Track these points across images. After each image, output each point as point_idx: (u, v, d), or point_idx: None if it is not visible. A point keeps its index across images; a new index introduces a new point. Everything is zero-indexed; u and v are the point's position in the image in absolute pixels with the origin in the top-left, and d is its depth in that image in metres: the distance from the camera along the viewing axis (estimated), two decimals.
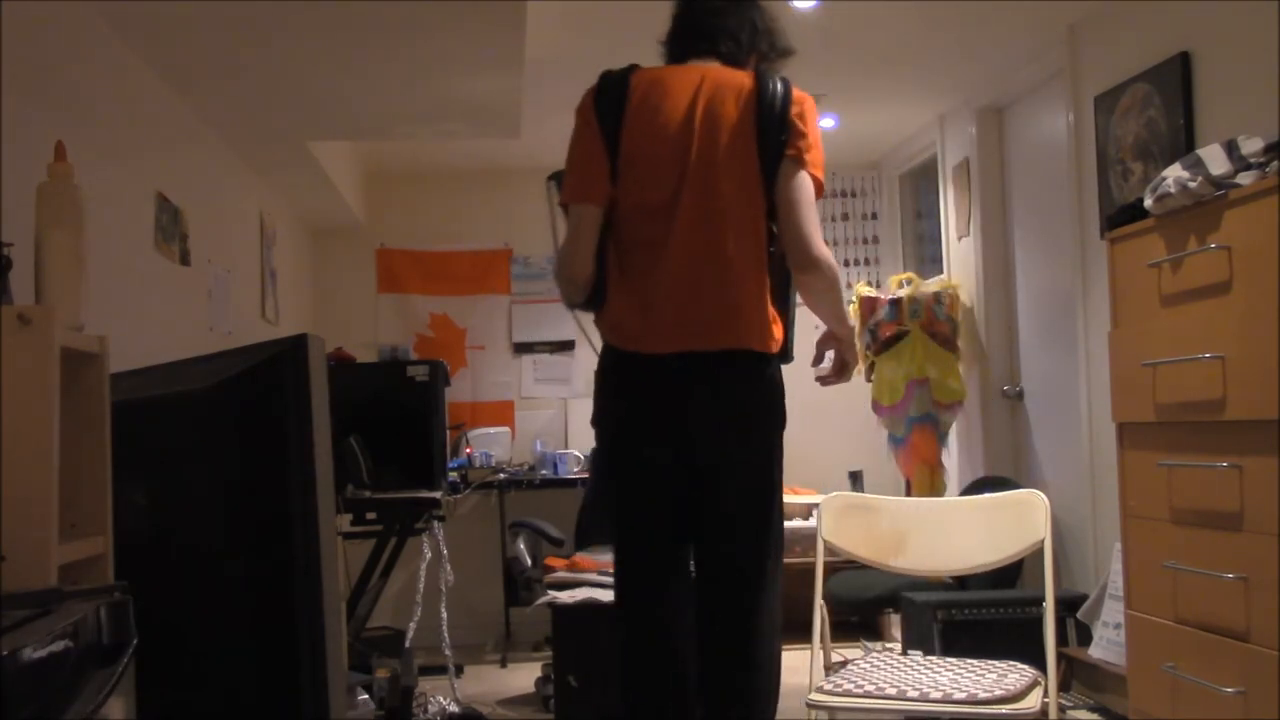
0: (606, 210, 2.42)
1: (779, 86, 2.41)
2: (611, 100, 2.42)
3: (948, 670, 2.57)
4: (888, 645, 4.90)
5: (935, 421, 5.08)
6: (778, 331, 2.41)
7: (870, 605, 5.00)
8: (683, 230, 2.36)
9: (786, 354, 2.47)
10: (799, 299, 2.49)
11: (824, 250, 2.36)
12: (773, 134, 2.37)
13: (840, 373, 2.54)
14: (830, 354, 2.55)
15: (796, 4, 3.90)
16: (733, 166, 2.38)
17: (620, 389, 2.44)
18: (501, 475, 5.65)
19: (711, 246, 2.36)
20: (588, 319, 2.53)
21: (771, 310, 2.40)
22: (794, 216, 2.35)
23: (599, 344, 2.54)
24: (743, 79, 2.43)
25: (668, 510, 2.42)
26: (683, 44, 2.54)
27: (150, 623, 1.67)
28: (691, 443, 2.37)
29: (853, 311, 5.32)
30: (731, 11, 2.54)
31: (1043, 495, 2.77)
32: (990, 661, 2.63)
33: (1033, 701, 2.37)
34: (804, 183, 2.38)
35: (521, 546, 4.73)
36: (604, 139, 2.41)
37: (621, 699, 2.46)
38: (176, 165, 3.73)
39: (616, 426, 2.46)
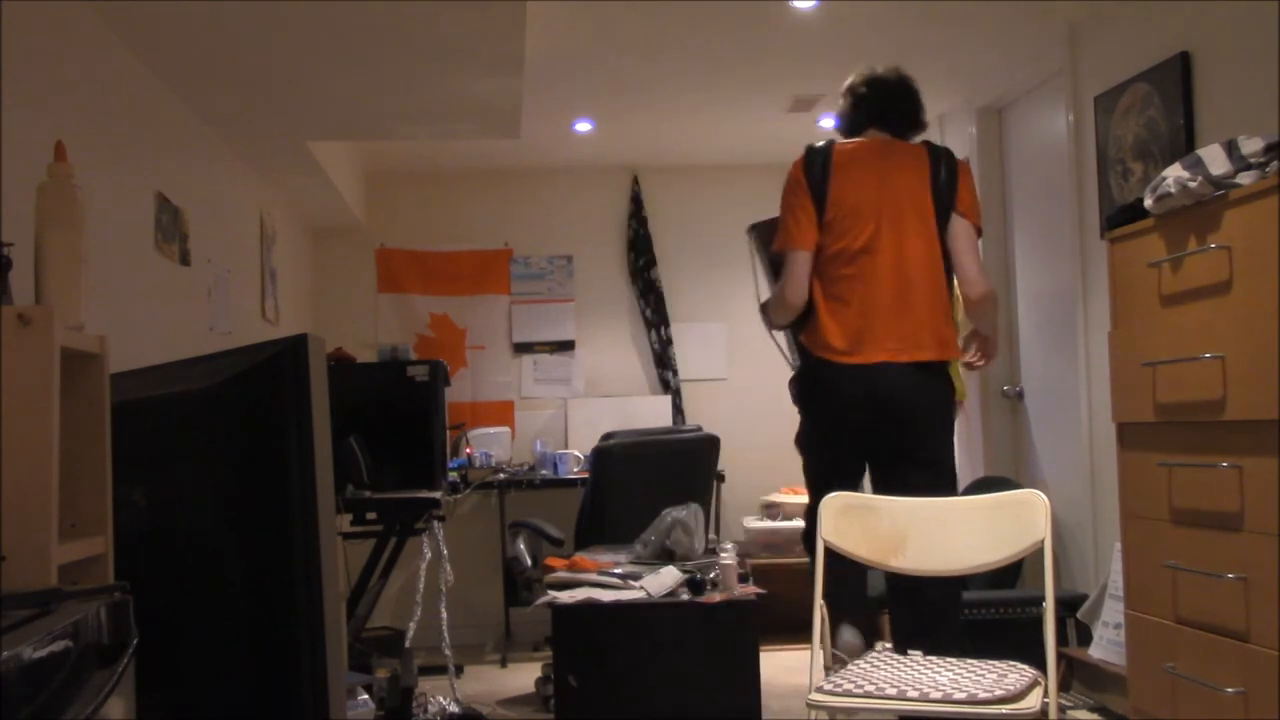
0: (815, 253, 3.18)
1: (945, 156, 3.23)
2: (817, 168, 3.17)
3: (948, 670, 2.57)
4: (888, 645, 4.90)
5: None
6: (957, 341, 3.21)
7: (870, 605, 4.99)
8: (882, 269, 3.11)
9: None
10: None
11: (988, 284, 3.21)
12: (944, 194, 3.16)
13: (986, 359, 3.32)
14: (974, 347, 3.32)
15: (796, 4, 3.90)
16: (916, 219, 3.14)
17: (828, 391, 3.18)
18: (501, 475, 5.65)
19: (903, 281, 3.11)
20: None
21: (952, 324, 3.17)
22: (963, 260, 3.17)
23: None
24: (918, 150, 3.23)
25: (851, 469, 3.22)
26: (862, 120, 3.31)
27: (150, 623, 1.67)
28: (894, 433, 3.13)
29: None
30: (900, 99, 3.33)
31: (1043, 495, 2.76)
32: (990, 661, 2.63)
33: (1033, 701, 2.37)
34: (968, 230, 3.19)
35: (521, 546, 4.73)
36: (813, 199, 3.16)
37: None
38: (176, 165, 3.73)
39: (825, 416, 3.22)
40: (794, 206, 3.19)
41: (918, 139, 3.32)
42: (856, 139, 3.26)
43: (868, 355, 3.10)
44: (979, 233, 3.21)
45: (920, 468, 3.16)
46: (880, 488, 3.22)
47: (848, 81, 3.39)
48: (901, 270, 3.11)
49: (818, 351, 3.19)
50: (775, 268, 3.37)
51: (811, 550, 3.16)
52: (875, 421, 3.14)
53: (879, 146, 3.22)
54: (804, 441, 3.32)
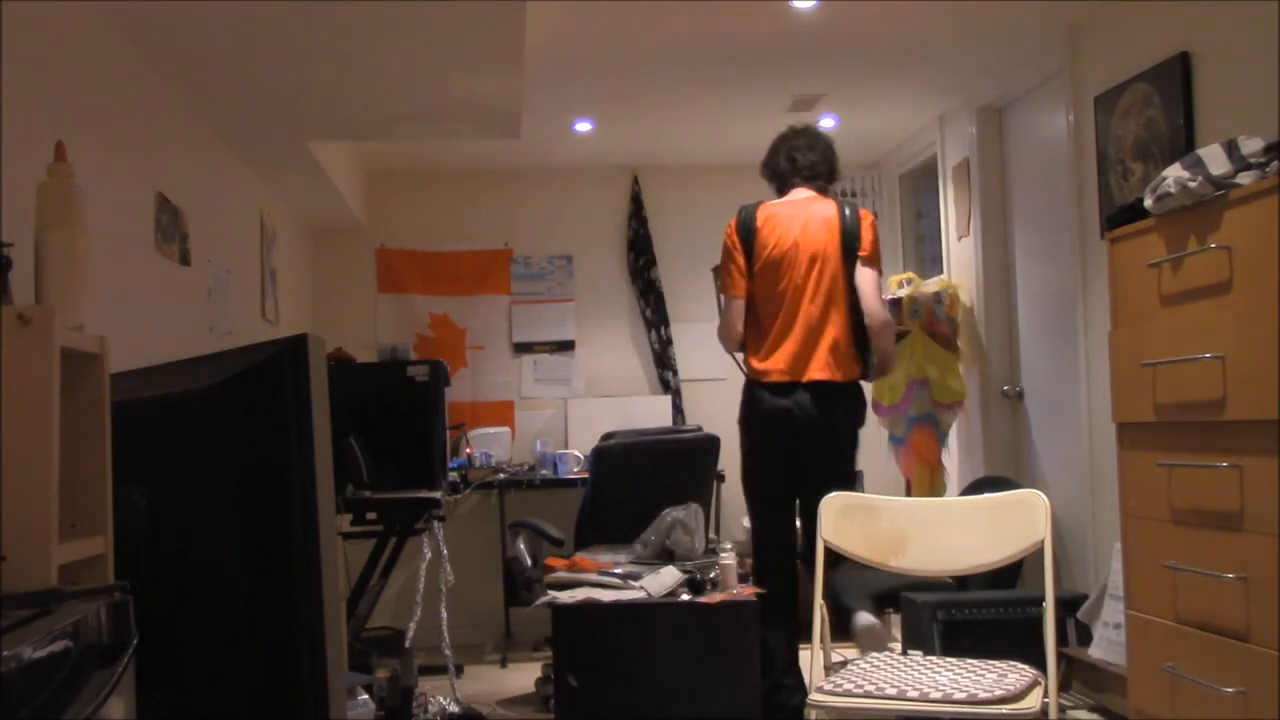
0: (748, 298, 3.84)
1: (851, 213, 3.80)
2: (746, 228, 3.83)
3: (948, 670, 2.57)
4: (888, 645, 4.89)
5: (935, 421, 5.08)
6: (857, 368, 3.81)
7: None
8: (794, 309, 3.77)
9: (865, 375, 3.88)
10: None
11: (885, 316, 3.80)
12: (850, 245, 3.76)
13: (881, 375, 4.00)
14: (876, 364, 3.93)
15: (796, 4, 3.90)
16: (825, 268, 3.75)
17: (759, 406, 3.82)
18: (501, 475, 5.64)
19: (812, 321, 3.75)
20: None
21: (853, 352, 3.79)
22: (866, 300, 3.77)
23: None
24: (830, 208, 3.81)
25: (781, 476, 3.84)
26: (783, 175, 3.94)
27: (150, 623, 1.67)
28: (799, 436, 3.75)
29: None
30: (814, 151, 3.92)
31: (1043, 495, 2.77)
32: (990, 661, 2.63)
33: (1033, 701, 2.37)
34: (870, 274, 3.78)
35: (521, 546, 4.73)
36: (744, 254, 3.82)
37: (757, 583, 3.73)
38: (176, 165, 3.73)
39: (758, 427, 3.85)
40: (729, 261, 3.85)
41: (832, 193, 3.97)
42: (781, 200, 3.89)
43: (783, 376, 3.76)
44: (879, 270, 3.83)
45: (825, 461, 3.80)
46: (800, 478, 3.83)
47: (777, 138, 3.97)
48: (811, 309, 3.75)
49: (749, 374, 3.88)
50: None
51: (758, 557, 3.88)
52: (791, 425, 3.76)
53: (797, 208, 3.82)
54: (745, 450, 3.93)
